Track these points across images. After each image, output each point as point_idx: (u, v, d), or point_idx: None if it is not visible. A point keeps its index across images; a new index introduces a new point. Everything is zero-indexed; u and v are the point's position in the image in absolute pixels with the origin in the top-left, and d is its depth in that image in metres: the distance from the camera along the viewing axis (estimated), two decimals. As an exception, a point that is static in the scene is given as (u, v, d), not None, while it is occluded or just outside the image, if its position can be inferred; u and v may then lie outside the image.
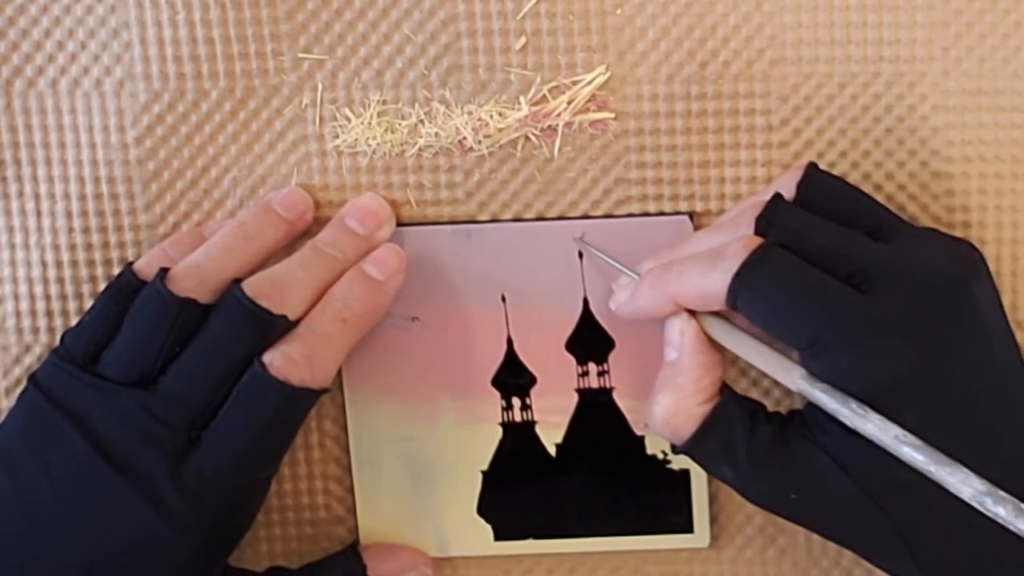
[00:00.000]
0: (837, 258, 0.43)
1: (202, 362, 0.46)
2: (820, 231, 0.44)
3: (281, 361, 0.45)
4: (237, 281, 0.46)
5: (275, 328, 0.46)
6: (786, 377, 0.44)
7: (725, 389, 0.47)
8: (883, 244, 0.45)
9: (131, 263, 0.49)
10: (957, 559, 0.43)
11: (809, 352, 0.43)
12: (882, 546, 0.44)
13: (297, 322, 0.47)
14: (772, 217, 0.44)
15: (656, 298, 0.46)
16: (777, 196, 0.45)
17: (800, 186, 0.46)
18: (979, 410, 0.43)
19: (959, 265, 0.44)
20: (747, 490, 0.46)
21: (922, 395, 0.42)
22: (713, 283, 0.44)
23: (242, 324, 0.46)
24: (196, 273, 0.47)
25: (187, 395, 0.45)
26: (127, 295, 0.47)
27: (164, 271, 0.47)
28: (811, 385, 0.43)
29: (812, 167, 0.47)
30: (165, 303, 0.46)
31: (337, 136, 0.50)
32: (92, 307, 0.48)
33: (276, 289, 0.46)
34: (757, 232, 0.44)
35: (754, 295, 0.43)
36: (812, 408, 0.45)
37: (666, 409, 0.46)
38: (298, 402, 0.46)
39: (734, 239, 0.44)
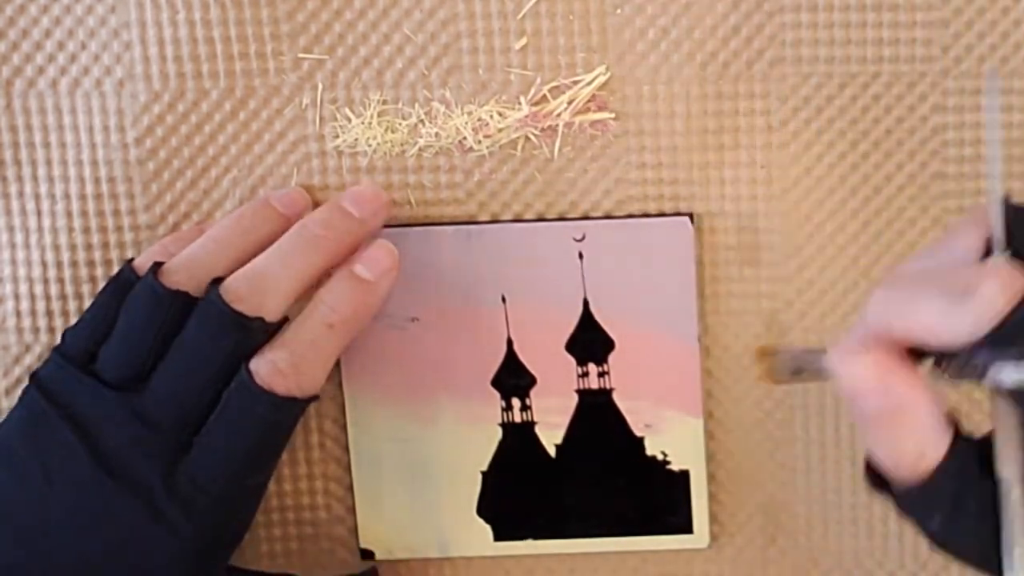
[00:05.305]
0: None
1: (184, 365, 0.45)
2: None
3: (267, 370, 0.45)
4: (217, 282, 0.46)
5: (252, 331, 0.45)
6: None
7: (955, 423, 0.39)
8: None
9: (131, 260, 0.49)
10: None
11: None
12: None
13: (284, 321, 0.46)
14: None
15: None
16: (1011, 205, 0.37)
17: (1009, 223, 0.37)
18: None
19: None
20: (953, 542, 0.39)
21: None
22: (959, 326, 0.35)
23: (218, 329, 0.45)
24: (189, 266, 0.46)
25: (176, 398, 0.45)
26: (126, 292, 0.47)
27: (157, 265, 0.46)
28: None
29: (1007, 201, 0.38)
30: (157, 296, 0.46)
31: (337, 136, 0.50)
32: (92, 305, 0.48)
33: (253, 291, 0.45)
34: (1014, 253, 0.36)
35: None
36: None
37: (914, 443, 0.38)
38: (285, 411, 0.46)
39: (985, 267, 0.36)
